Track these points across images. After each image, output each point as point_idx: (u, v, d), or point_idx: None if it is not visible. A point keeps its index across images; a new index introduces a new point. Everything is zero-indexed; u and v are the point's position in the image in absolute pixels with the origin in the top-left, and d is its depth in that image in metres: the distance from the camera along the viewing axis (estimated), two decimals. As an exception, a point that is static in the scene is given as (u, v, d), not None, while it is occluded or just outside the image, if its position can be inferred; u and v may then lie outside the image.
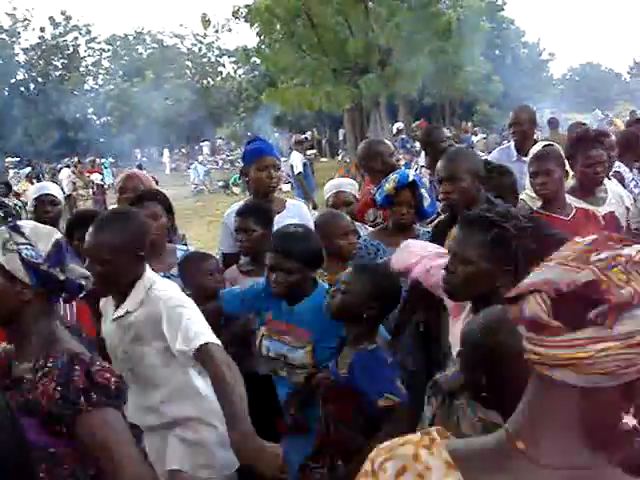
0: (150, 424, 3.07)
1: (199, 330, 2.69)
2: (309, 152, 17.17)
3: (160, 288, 2.98)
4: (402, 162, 8.28)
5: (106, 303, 3.26)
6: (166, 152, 40.41)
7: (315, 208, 10.90)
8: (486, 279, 2.39)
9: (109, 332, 3.15)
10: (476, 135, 25.55)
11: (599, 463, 1.03)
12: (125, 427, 2.02)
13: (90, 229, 3.01)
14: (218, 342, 2.64)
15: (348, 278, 3.11)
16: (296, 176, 13.35)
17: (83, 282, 2.25)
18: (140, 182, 4.78)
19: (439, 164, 3.64)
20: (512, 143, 6.03)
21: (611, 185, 4.75)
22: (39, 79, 53.29)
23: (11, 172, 27.94)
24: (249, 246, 4.07)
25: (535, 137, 6.16)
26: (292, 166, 13.55)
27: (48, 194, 5.05)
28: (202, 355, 2.58)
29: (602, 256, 1.02)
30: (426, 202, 4.25)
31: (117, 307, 3.07)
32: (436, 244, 3.28)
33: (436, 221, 3.94)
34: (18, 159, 35.38)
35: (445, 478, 1.04)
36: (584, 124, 8.80)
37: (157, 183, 5.18)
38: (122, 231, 2.97)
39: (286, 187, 17.25)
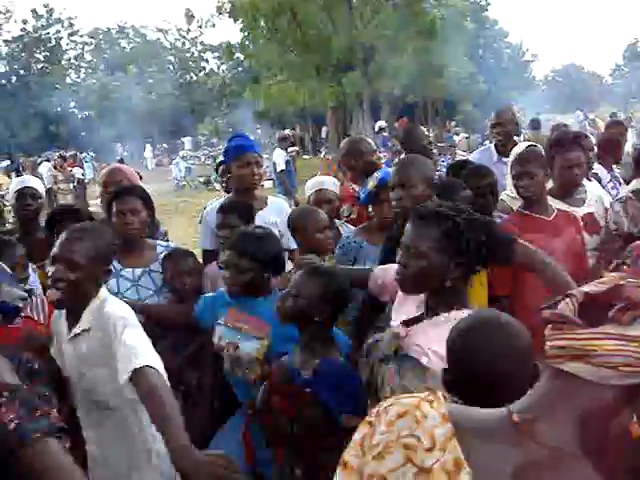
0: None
1: (141, 352, 2.65)
2: (291, 149, 17.09)
3: (113, 307, 2.94)
4: (383, 160, 8.28)
5: (57, 324, 3.17)
6: (148, 147, 40.21)
7: (297, 205, 10.89)
8: (439, 272, 2.42)
9: (67, 353, 3.07)
10: (458, 135, 25.59)
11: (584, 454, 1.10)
12: (67, 457, 1.94)
13: (66, 235, 2.96)
14: (157, 366, 2.60)
15: (299, 281, 3.10)
16: (278, 173, 13.33)
17: (20, 304, 2.21)
18: (124, 177, 4.75)
19: (391, 171, 3.62)
20: (492, 144, 6.06)
21: (591, 186, 4.77)
22: (21, 72, 52.87)
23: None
24: None
25: (519, 138, 6.18)
26: (274, 163, 13.53)
27: (29, 187, 5.01)
28: (137, 377, 2.55)
29: (632, 280, 1.10)
30: None
31: (71, 327, 3.01)
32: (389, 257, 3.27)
33: (386, 236, 3.91)
34: None
35: (438, 426, 1.15)
36: (566, 125, 8.85)
37: (141, 178, 5.14)
38: (99, 241, 2.96)
39: (268, 184, 17.21)
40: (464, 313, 2.30)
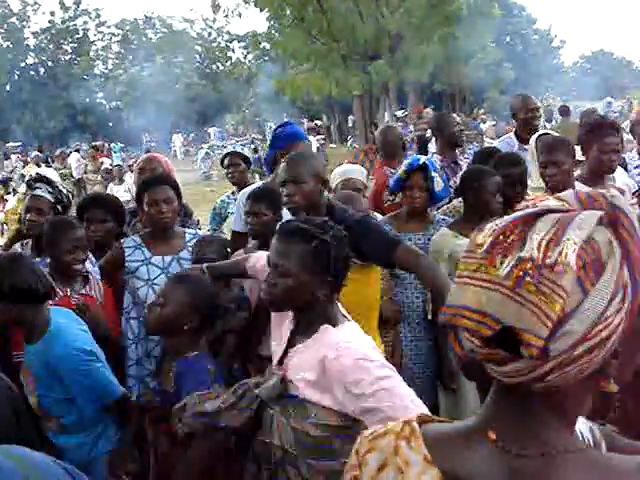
0: None
1: None
2: (319, 137, 17.16)
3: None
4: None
5: None
6: (178, 137, 40.36)
7: (329, 191, 10.96)
8: (306, 290, 2.37)
9: None
10: (484, 122, 25.38)
11: (565, 448, 1.03)
12: None
13: None
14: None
15: (165, 291, 3.05)
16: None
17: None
18: (160, 165, 4.86)
19: (281, 167, 3.57)
20: (512, 133, 6.10)
21: (617, 174, 4.74)
22: (49, 63, 53.31)
23: (13, 157, 27.80)
24: (258, 230, 4.08)
25: (544, 125, 6.19)
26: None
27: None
28: None
29: (506, 270, 0.99)
30: (438, 185, 4.26)
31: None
32: None
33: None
34: (20, 143, 35.33)
35: (423, 474, 1.06)
36: (595, 111, 8.77)
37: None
38: None
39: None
40: (334, 329, 2.33)
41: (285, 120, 4.84)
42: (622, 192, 4.40)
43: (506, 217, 1.04)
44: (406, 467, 1.07)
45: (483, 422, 1.08)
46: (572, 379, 1.00)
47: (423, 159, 4.34)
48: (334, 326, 2.36)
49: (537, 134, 5.07)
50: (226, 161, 6.21)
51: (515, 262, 0.98)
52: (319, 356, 2.27)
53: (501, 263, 0.99)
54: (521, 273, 0.97)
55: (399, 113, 22.57)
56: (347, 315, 2.49)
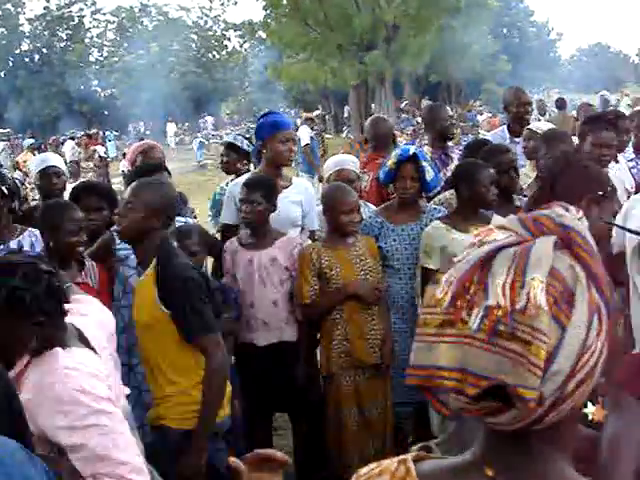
0: None
1: None
2: (315, 128, 17.14)
3: None
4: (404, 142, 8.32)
5: None
6: (171, 126, 40.23)
7: (321, 181, 10.94)
8: (13, 340, 2.20)
9: None
10: (482, 114, 25.39)
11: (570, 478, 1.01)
12: None
13: None
14: None
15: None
16: (303, 148, 13.37)
17: None
18: (160, 153, 4.99)
19: (128, 188, 3.42)
20: (505, 126, 6.11)
21: (612, 169, 4.72)
22: (44, 50, 53.03)
23: (1, 144, 27.37)
24: (252, 218, 4.07)
25: (537, 118, 6.20)
26: (299, 139, 13.58)
27: (52, 166, 5.06)
28: None
29: (476, 323, 0.94)
30: (429, 175, 4.25)
31: None
32: None
33: None
34: (7, 130, 35.05)
35: None
36: (591, 105, 8.76)
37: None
38: None
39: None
40: (62, 352, 2.21)
41: (276, 109, 4.84)
42: (614, 189, 4.39)
43: (459, 265, 0.99)
44: None
45: (479, 458, 1.04)
46: (569, 413, 0.97)
47: (413, 149, 4.33)
48: (63, 349, 2.23)
49: (527, 128, 5.08)
50: (221, 151, 6.19)
51: (484, 312, 0.94)
52: (37, 379, 2.17)
53: (468, 315, 0.95)
54: (493, 323, 0.93)
55: (403, 105, 22.57)
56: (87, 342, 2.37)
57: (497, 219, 3.53)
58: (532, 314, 0.91)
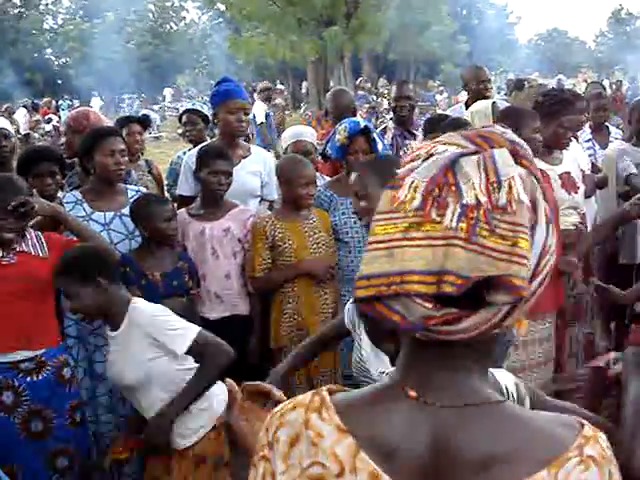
0: None
1: None
2: (279, 101, 16.77)
3: None
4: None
5: None
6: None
7: (278, 158, 10.82)
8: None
9: None
10: (441, 94, 25.46)
11: (488, 399, 1.00)
12: None
13: None
14: None
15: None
16: (258, 125, 13.15)
17: None
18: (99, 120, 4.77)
19: None
20: (462, 103, 6.20)
21: (571, 149, 4.77)
22: (-5, 16, 51.67)
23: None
24: (227, 189, 4.04)
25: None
26: (254, 115, 13.36)
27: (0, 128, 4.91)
28: None
29: (453, 222, 0.93)
30: (380, 146, 4.22)
31: None
32: None
33: None
34: None
35: (337, 444, 1.00)
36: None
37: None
38: None
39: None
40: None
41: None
42: (569, 173, 4.44)
43: (419, 169, 0.98)
44: (319, 439, 1.01)
45: (399, 381, 1.03)
46: (515, 321, 0.98)
47: (363, 122, 4.30)
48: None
49: (492, 100, 5.10)
50: (184, 118, 6.09)
51: (460, 211, 0.93)
52: None
53: (440, 216, 0.93)
54: (472, 222, 0.92)
55: (359, 82, 22.48)
56: None
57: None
58: (514, 210, 0.93)
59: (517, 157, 0.98)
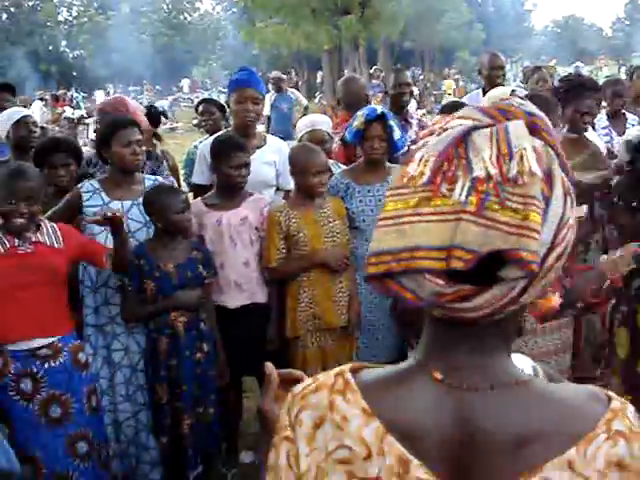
0: None
1: None
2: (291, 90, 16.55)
3: None
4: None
5: None
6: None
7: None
8: None
9: None
10: (457, 82, 25.36)
11: (515, 379, 1.00)
12: None
13: None
14: None
15: None
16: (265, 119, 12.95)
17: None
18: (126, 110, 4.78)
19: None
20: (480, 89, 6.15)
21: (589, 135, 4.76)
22: (11, 9, 51.81)
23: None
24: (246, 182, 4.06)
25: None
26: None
27: (28, 116, 5.00)
28: None
29: (462, 196, 0.91)
30: (396, 134, 4.21)
31: None
32: None
33: None
34: None
35: (364, 427, 0.99)
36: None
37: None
38: None
39: (261, 128, 16.96)
40: None
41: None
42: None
43: (430, 143, 0.97)
44: (344, 423, 1.00)
45: (423, 362, 1.02)
46: (534, 298, 0.96)
47: (380, 108, 4.29)
48: None
49: (511, 88, 5.07)
50: (200, 108, 6.09)
51: (470, 184, 0.92)
52: None
53: (449, 190, 0.92)
54: (482, 195, 0.91)
55: (372, 70, 22.39)
56: None
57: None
58: (525, 182, 0.90)
59: (535, 129, 0.96)
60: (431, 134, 0.99)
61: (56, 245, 3.45)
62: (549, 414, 0.97)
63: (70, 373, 3.47)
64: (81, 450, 3.47)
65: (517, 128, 0.94)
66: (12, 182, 3.31)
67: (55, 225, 3.52)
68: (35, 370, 3.37)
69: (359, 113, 4.24)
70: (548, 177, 0.94)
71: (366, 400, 1.01)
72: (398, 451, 0.97)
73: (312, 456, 1.02)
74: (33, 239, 3.40)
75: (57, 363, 3.42)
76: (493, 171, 0.91)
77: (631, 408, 1.00)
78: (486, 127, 0.95)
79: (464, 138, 0.94)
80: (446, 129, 0.98)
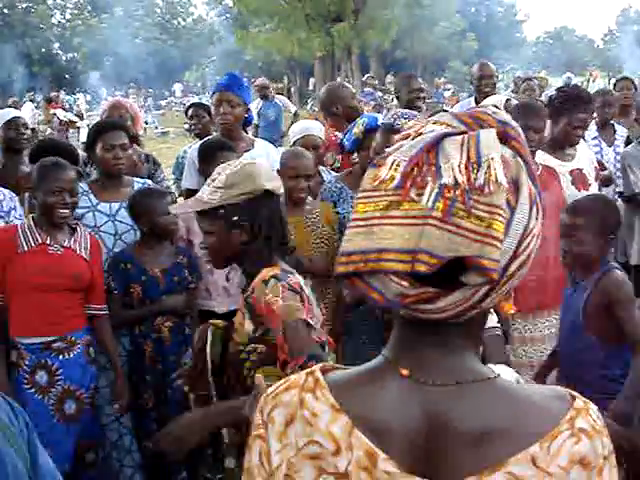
0: None
1: None
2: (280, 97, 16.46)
3: None
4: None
5: None
6: (131, 92, 39.58)
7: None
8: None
9: None
10: (448, 90, 25.43)
11: (481, 376, 1.02)
12: None
13: None
14: None
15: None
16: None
17: None
18: (126, 111, 4.87)
19: None
20: (472, 98, 6.18)
21: (580, 146, 4.76)
22: (4, 11, 51.71)
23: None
24: None
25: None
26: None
27: (18, 117, 4.99)
28: None
29: (430, 201, 0.92)
30: None
31: None
32: None
33: None
34: None
35: (333, 423, 1.01)
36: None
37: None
38: None
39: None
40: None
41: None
42: (580, 170, 4.44)
43: (403, 148, 0.99)
44: (314, 419, 1.02)
45: (391, 360, 1.04)
46: (497, 302, 0.99)
47: (380, 118, 4.28)
48: None
49: (505, 97, 5.10)
50: (190, 112, 6.10)
51: (438, 190, 0.93)
52: None
53: (418, 195, 0.94)
54: (449, 201, 0.92)
55: (365, 78, 22.43)
56: None
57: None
58: (491, 191, 0.92)
59: (507, 138, 0.98)
60: (406, 138, 1.01)
61: (84, 255, 3.49)
62: (513, 411, 0.99)
63: (84, 367, 3.50)
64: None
65: (488, 137, 0.96)
66: (56, 173, 3.39)
67: (89, 236, 3.57)
68: (50, 362, 3.39)
69: (359, 121, 4.23)
70: (515, 187, 0.96)
71: (335, 397, 1.03)
72: (366, 445, 0.99)
73: (283, 452, 1.04)
74: (65, 243, 3.42)
75: (72, 355, 3.44)
76: (461, 179, 0.93)
77: (594, 407, 1.02)
78: (459, 134, 0.97)
79: (436, 144, 0.96)
80: (421, 134, 0.99)
